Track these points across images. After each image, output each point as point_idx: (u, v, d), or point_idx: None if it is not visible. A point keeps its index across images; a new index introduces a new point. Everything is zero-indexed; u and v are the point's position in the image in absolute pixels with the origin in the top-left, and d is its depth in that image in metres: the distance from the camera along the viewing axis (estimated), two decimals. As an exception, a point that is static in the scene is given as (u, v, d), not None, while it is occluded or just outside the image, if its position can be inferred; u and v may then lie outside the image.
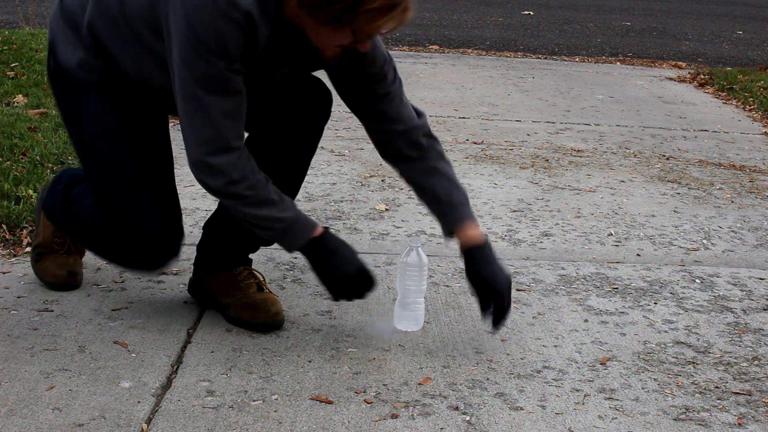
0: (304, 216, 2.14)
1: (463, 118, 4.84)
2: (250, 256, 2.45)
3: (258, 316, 2.28)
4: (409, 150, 2.26)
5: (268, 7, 1.95)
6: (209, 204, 3.12)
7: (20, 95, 4.63)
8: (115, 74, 2.15)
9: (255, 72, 2.07)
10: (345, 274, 2.14)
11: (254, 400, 1.96)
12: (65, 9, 2.20)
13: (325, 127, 2.48)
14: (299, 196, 3.24)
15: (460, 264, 2.79)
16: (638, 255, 2.97)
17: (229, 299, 2.32)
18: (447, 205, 2.25)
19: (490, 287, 2.20)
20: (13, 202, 2.99)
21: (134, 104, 2.19)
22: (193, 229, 2.90)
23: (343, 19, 1.91)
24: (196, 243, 2.44)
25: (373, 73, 2.18)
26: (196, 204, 3.17)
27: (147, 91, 2.18)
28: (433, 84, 5.73)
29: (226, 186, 2.04)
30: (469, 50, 7.40)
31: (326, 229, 2.16)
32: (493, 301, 2.20)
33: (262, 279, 2.39)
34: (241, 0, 1.89)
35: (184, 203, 3.16)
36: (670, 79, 6.52)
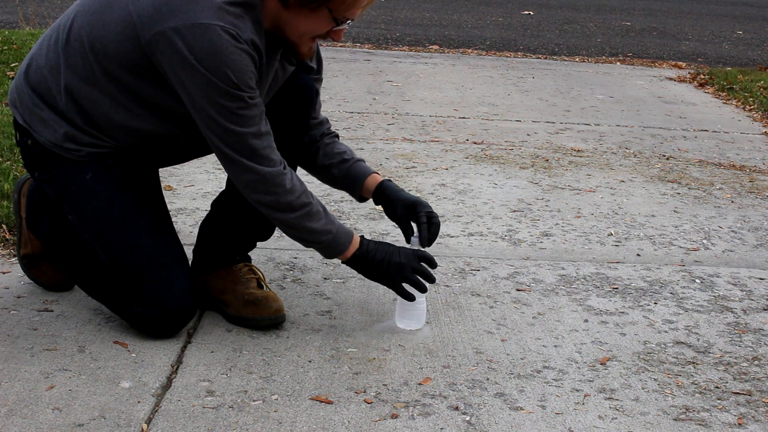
0: (341, 223, 2.22)
1: (463, 118, 4.84)
2: (249, 254, 2.44)
3: (259, 313, 2.28)
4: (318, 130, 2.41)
5: (260, 29, 2.02)
6: (209, 204, 3.11)
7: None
8: (104, 139, 2.13)
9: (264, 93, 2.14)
10: (397, 263, 2.23)
11: (254, 400, 1.96)
12: (33, 86, 2.14)
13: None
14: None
15: (460, 264, 2.81)
16: (638, 255, 2.97)
17: (229, 296, 2.32)
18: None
19: (419, 202, 2.31)
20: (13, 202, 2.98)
21: (129, 169, 2.19)
22: (193, 229, 2.90)
23: None
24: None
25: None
26: (196, 204, 3.16)
27: (140, 146, 2.17)
28: (433, 84, 5.73)
29: (283, 195, 2.08)
30: (469, 50, 7.40)
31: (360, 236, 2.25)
32: (425, 213, 2.30)
33: (261, 276, 2.39)
34: (242, 31, 1.97)
35: (184, 203, 3.17)
36: (670, 79, 6.52)
